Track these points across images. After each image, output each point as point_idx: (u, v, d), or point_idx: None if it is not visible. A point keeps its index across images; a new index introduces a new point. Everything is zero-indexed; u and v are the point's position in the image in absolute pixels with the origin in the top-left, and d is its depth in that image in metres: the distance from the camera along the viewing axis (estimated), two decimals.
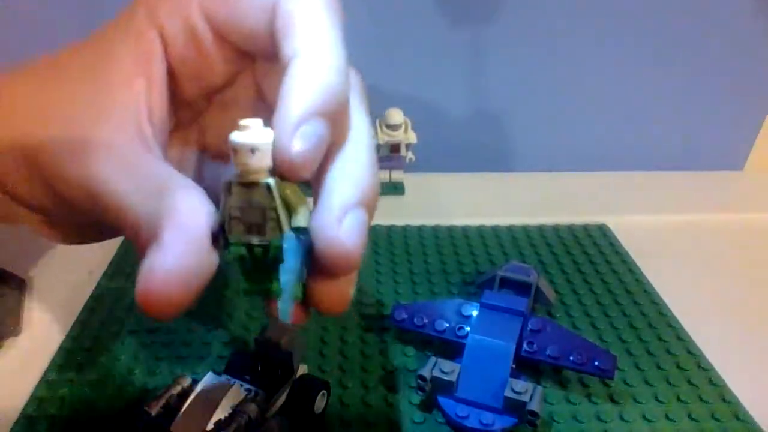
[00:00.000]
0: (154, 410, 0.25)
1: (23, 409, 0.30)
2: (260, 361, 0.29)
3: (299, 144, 0.18)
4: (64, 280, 0.40)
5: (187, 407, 0.25)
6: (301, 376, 0.30)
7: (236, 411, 0.26)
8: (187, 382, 0.27)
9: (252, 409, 0.26)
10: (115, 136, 0.20)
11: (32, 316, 0.37)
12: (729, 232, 0.49)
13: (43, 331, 0.36)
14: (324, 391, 0.30)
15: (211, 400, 0.25)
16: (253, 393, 0.27)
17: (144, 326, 0.36)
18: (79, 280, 0.40)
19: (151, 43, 0.21)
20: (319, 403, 0.30)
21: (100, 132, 0.20)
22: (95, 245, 0.43)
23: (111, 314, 0.37)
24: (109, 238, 0.26)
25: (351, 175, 0.19)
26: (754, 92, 0.57)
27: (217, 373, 0.28)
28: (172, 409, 0.25)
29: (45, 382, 0.32)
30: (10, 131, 0.21)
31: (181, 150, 0.25)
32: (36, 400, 0.31)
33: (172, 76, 0.22)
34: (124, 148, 0.20)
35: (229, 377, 0.28)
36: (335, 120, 0.19)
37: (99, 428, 0.30)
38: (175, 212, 0.17)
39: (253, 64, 0.24)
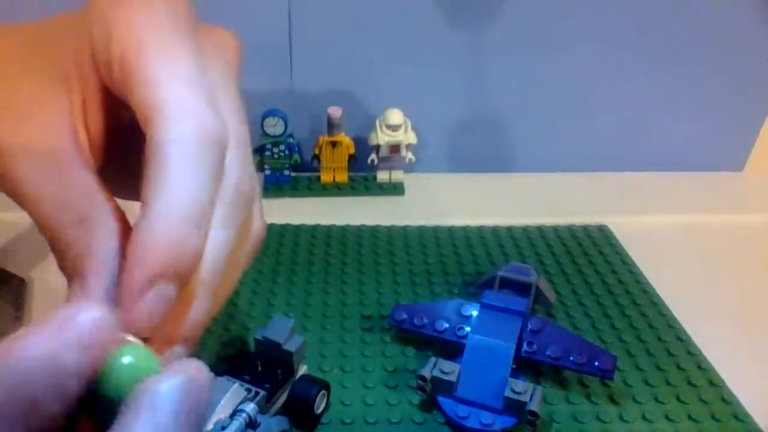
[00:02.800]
0: None
1: None
2: (260, 361, 0.29)
3: (139, 312, 0.17)
4: (64, 280, 0.40)
5: None
6: (302, 376, 0.30)
7: (236, 411, 0.26)
8: None
9: (252, 409, 0.26)
10: (44, 136, 0.20)
11: (32, 316, 0.37)
12: (729, 233, 0.49)
13: None
14: (324, 391, 0.30)
15: (210, 400, 0.25)
16: (253, 393, 0.27)
17: None
18: None
19: (88, 58, 0.20)
20: (320, 403, 0.30)
21: (28, 131, 0.20)
22: None
23: None
24: None
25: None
26: (754, 93, 0.57)
27: (218, 373, 0.28)
28: None
29: None
30: None
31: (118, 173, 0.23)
32: None
33: (105, 96, 0.21)
34: (50, 152, 0.19)
35: (229, 377, 0.28)
36: (183, 271, 0.18)
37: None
38: (94, 263, 0.19)
39: None
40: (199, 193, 0.18)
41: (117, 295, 0.18)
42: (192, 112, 0.18)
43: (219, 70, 0.22)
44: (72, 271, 0.20)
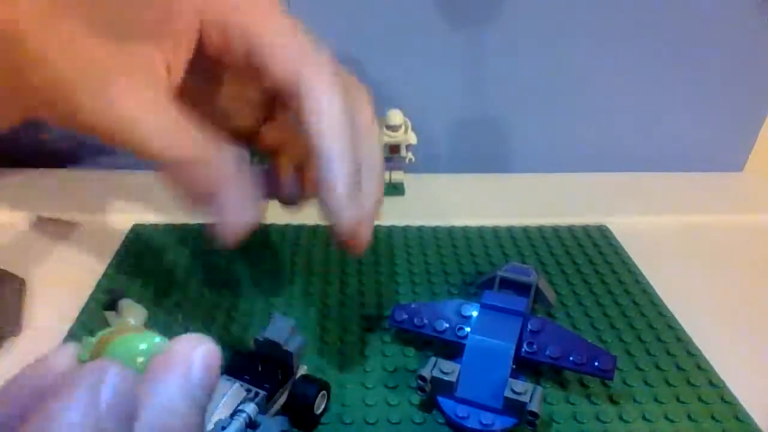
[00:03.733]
0: None
1: None
2: (260, 362, 0.29)
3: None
4: (64, 280, 0.40)
5: None
6: (302, 376, 0.30)
7: (236, 411, 0.26)
8: None
9: (252, 409, 0.26)
10: (141, 82, 0.24)
11: (32, 316, 0.37)
12: (729, 233, 0.49)
13: (43, 331, 0.36)
14: (324, 392, 0.30)
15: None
16: (253, 393, 0.27)
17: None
18: (79, 280, 0.40)
19: (191, 19, 0.25)
20: (320, 403, 0.30)
21: (127, 76, 0.23)
22: (94, 246, 0.44)
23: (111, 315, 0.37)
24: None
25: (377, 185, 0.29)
26: (754, 93, 0.57)
27: None
28: None
29: None
30: (47, 68, 0.23)
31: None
32: None
33: (198, 49, 0.26)
34: (147, 86, 0.24)
35: (228, 377, 0.28)
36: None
37: None
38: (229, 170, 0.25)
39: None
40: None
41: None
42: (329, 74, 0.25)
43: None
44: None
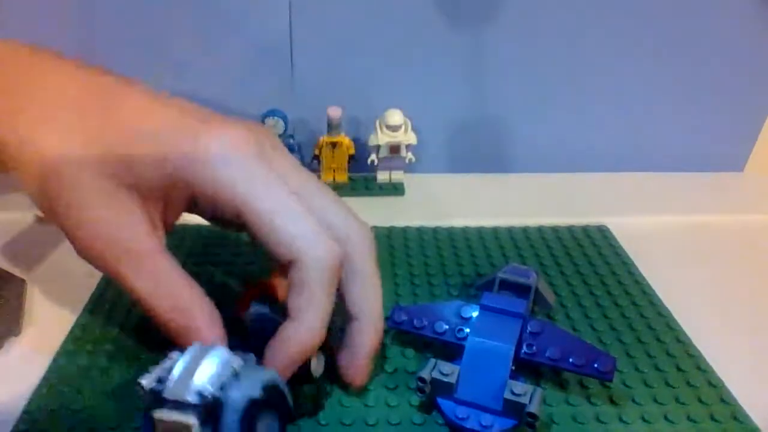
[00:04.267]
0: (148, 382, 0.24)
1: (24, 409, 0.30)
2: (254, 338, 0.28)
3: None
4: (64, 280, 0.40)
5: (176, 374, 0.24)
6: None
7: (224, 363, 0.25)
8: (177, 356, 0.25)
9: (239, 363, 0.25)
10: (133, 239, 0.28)
11: (32, 316, 0.37)
12: (729, 234, 0.49)
13: (43, 331, 0.36)
14: (322, 355, 0.30)
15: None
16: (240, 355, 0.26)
17: (144, 326, 0.36)
18: (79, 280, 0.40)
19: (181, 189, 0.28)
20: (317, 367, 0.29)
21: (120, 235, 0.28)
22: None
23: (111, 315, 0.37)
24: None
25: (371, 335, 0.31)
26: (754, 93, 0.57)
27: None
28: (164, 380, 0.24)
29: (46, 382, 0.32)
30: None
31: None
32: (37, 400, 0.31)
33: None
34: (143, 253, 0.28)
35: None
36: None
37: (100, 427, 0.30)
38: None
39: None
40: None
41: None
42: (320, 244, 0.27)
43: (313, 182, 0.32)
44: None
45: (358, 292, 0.30)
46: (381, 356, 0.35)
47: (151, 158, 0.27)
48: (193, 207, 0.29)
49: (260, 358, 0.28)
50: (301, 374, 0.29)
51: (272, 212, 0.27)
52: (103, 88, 0.29)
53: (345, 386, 0.32)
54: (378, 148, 0.52)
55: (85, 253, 0.29)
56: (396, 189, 0.54)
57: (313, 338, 0.27)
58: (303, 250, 0.27)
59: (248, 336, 0.29)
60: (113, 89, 0.29)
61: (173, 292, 0.28)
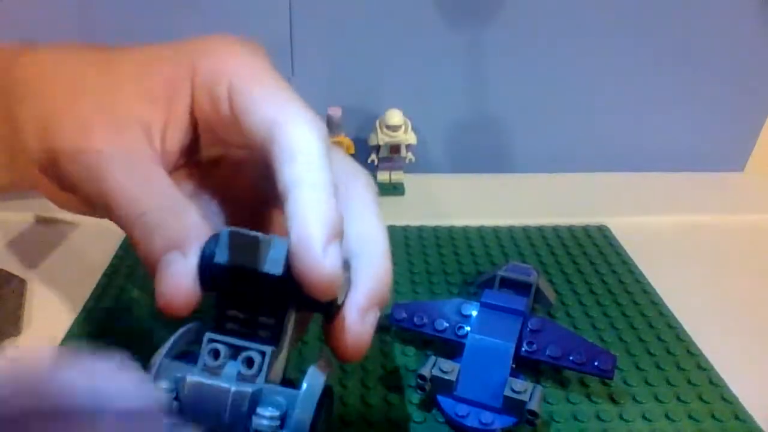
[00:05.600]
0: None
1: None
2: (234, 310, 0.21)
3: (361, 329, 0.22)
4: (64, 280, 0.40)
5: None
6: None
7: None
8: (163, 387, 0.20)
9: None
10: (125, 143, 0.23)
11: (32, 316, 0.37)
12: (729, 233, 0.49)
13: (43, 331, 0.36)
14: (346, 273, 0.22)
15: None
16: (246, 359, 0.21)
17: (144, 326, 0.36)
18: (79, 280, 0.40)
19: (184, 85, 0.24)
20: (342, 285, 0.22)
21: (113, 136, 0.23)
22: (94, 246, 0.44)
23: (111, 314, 0.37)
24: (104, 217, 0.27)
25: (372, 277, 0.22)
26: (754, 92, 0.57)
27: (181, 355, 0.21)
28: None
29: None
30: (40, 104, 0.23)
31: (186, 190, 0.26)
32: None
33: (192, 122, 0.25)
34: (132, 155, 0.23)
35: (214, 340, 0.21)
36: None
37: None
38: (195, 229, 0.21)
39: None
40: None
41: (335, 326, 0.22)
42: (310, 119, 0.22)
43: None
44: (160, 251, 0.21)
45: (358, 224, 0.23)
46: (381, 354, 0.35)
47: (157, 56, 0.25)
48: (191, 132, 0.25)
49: (272, 340, 0.21)
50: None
51: (264, 87, 0.23)
52: (99, 55, 0.26)
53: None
54: (378, 148, 0.52)
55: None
56: (396, 189, 0.54)
57: (329, 209, 0.20)
58: (294, 112, 0.22)
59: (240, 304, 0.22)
60: (110, 54, 0.26)
61: (164, 192, 0.22)
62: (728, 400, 0.32)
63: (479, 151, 0.58)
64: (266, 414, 0.19)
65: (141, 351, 0.34)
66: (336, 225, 0.20)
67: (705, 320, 0.38)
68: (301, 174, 0.21)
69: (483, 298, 0.34)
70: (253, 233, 0.20)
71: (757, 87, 0.56)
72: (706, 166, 0.59)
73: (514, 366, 0.31)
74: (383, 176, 0.54)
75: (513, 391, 0.28)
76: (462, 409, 0.30)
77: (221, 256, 0.20)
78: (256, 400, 0.20)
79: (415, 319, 0.34)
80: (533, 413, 0.28)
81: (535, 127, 0.57)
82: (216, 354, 0.20)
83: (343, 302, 0.22)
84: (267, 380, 0.20)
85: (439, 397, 0.30)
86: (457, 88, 0.54)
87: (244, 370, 0.20)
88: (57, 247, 0.44)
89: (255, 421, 0.19)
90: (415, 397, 0.32)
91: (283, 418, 0.20)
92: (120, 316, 0.37)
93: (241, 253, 0.20)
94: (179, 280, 0.20)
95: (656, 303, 0.40)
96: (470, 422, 0.29)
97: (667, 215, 0.52)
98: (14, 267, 0.39)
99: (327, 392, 0.21)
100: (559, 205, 0.52)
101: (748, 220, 0.51)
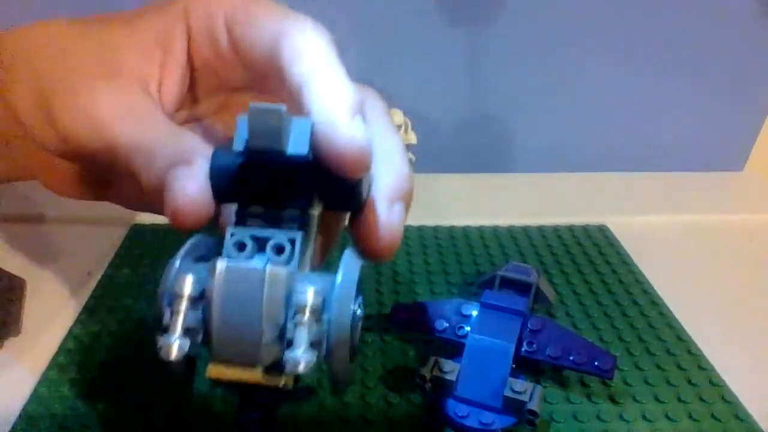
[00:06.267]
0: (173, 353, 0.18)
1: (24, 409, 0.30)
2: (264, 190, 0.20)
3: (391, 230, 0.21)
4: (64, 280, 0.40)
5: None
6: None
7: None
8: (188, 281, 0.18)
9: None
10: (124, 95, 0.22)
11: (32, 316, 0.37)
12: (729, 233, 0.49)
13: (43, 331, 0.36)
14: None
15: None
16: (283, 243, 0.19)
17: (143, 325, 0.36)
18: (79, 280, 0.40)
19: (178, 31, 0.24)
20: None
21: (108, 81, 0.22)
22: (94, 246, 0.44)
23: (111, 314, 0.37)
24: (110, 198, 0.28)
25: (393, 173, 0.22)
26: (754, 92, 0.57)
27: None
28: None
29: (45, 381, 0.32)
30: (30, 71, 0.23)
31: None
32: (36, 399, 0.31)
33: (192, 69, 0.25)
34: (132, 105, 0.22)
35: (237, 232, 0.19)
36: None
37: (100, 426, 0.30)
38: (199, 146, 0.20)
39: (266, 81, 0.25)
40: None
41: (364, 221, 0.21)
42: (313, 25, 0.22)
43: None
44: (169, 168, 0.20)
45: (373, 132, 0.21)
46: (381, 354, 0.35)
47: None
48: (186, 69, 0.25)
49: (303, 221, 0.20)
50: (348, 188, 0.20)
51: (262, 7, 0.23)
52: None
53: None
54: None
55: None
56: None
57: (348, 87, 0.20)
58: (295, 22, 0.22)
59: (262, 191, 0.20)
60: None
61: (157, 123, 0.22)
62: (728, 400, 0.32)
63: (479, 150, 0.58)
64: (308, 289, 0.18)
65: (141, 351, 0.34)
66: (357, 100, 0.20)
67: (705, 320, 0.38)
68: (312, 66, 0.20)
69: (483, 298, 0.34)
70: (276, 106, 0.18)
71: (757, 87, 0.56)
72: (706, 165, 0.59)
73: (514, 366, 0.31)
74: None
75: (513, 391, 0.28)
76: (462, 409, 0.29)
77: (239, 143, 0.19)
78: (292, 282, 0.18)
79: (416, 319, 0.34)
80: (533, 413, 0.27)
81: (535, 127, 0.57)
82: (242, 246, 0.19)
83: (368, 197, 0.21)
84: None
85: (439, 397, 0.30)
86: (458, 87, 0.54)
87: (275, 258, 0.19)
88: (57, 247, 0.44)
89: (296, 297, 0.18)
90: (415, 397, 0.32)
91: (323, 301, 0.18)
92: (120, 315, 0.37)
93: (262, 134, 0.18)
94: (190, 187, 0.19)
95: (656, 303, 0.40)
96: (470, 422, 0.29)
97: (667, 215, 0.52)
98: (14, 267, 0.39)
99: (359, 282, 0.20)
100: (559, 204, 0.52)
101: (747, 219, 0.51)
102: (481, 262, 0.44)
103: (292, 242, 0.19)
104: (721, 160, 0.60)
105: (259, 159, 0.19)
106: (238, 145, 0.18)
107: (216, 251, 0.19)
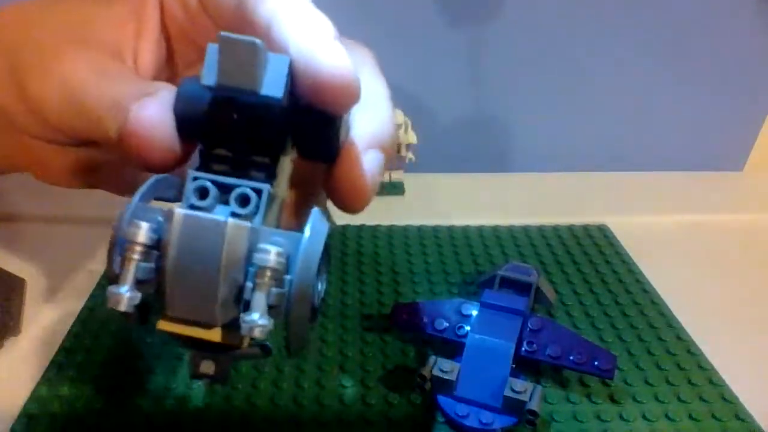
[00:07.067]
0: (123, 305, 0.17)
1: (23, 409, 0.30)
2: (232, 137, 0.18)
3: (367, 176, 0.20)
4: (64, 280, 0.40)
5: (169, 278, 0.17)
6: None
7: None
8: (143, 228, 0.17)
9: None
10: (91, 53, 0.21)
11: (32, 316, 0.37)
12: (729, 233, 0.49)
13: (43, 331, 0.36)
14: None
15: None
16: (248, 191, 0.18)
17: (143, 326, 0.36)
18: (79, 280, 0.40)
19: (150, 0, 0.23)
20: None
21: (78, 49, 0.21)
22: (94, 246, 0.44)
23: (111, 314, 0.37)
24: (101, 185, 0.27)
25: (373, 120, 0.21)
26: (754, 92, 0.57)
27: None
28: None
29: (45, 381, 0.32)
30: (1, 49, 0.22)
31: None
32: (36, 399, 0.31)
33: (168, 38, 0.24)
34: (98, 60, 0.21)
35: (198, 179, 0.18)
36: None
37: (99, 426, 0.30)
38: (163, 88, 0.19)
39: None
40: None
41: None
42: None
43: None
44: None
45: (361, 77, 0.20)
46: (381, 354, 0.35)
47: None
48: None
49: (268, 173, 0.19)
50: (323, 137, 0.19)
51: None
52: None
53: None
54: None
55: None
56: (396, 188, 0.54)
57: (321, 16, 0.19)
58: None
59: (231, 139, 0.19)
60: None
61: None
62: (728, 400, 0.32)
63: (479, 150, 0.58)
64: (271, 249, 0.17)
65: (141, 350, 0.34)
66: (333, 28, 0.18)
67: (705, 320, 0.38)
68: (276, 3, 0.18)
69: (483, 297, 0.34)
70: (250, 38, 0.16)
71: (757, 87, 0.56)
72: (706, 165, 0.59)
73: (514, 366, 0.31)
74: (383, 176, 0.54)
75: (513, 391, 0.28)
76: (462, 409, 0.30)
77: (208, 77, 0.17)
78: (254, 239, 0.17)
79: (416, 319, 0.34)
80: (533, 413, 0.27)
81: (535, 127, 0.57)
82: (204, 193, 0.17)
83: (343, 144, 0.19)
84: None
85: (439, 397, 0.30)
86: (458, 87, 0.54)
87: (238, 209, 0.17)
88: (57, 247, 0.44)
89: (258, 256, 0.17)
90: (415, 396, 0.32)
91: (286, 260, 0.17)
92: (120, 315, 0.37)
93: (233, 70, 0.16)
94: (150, 110, 0.18)
95: (656, 303, 0.40)
96: (470, 422, 0.29)
97: (667, 215, 0.52)
98: (14, 267, 0.39)
99: (327, 246, 0.18)
100: (559, 204, 0.52)
101: (747, 219, 0.51)
102: (480, 261, 0.44)
103: (258, 193, 0.17)
104: (721, 160, 0.60)
105: (229, 97, 0.17)
106: (208, 79, 0.17)
107: (180, 194, 0.18)
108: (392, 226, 0.47)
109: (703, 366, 0.34)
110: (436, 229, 0.47)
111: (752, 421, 0.31)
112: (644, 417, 0.31)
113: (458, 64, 0.53)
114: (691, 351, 0.35)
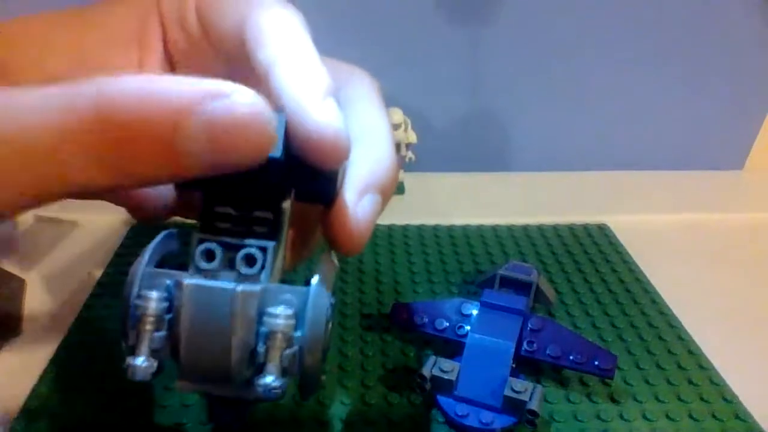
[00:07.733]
0: (140, 375, 0.18)
1: (23, 408, 0.30)
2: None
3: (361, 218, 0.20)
4: (64, 280, 0.40)
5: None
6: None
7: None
8: (154, 299, 0.18)
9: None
10: None
11: (32, 316, 0.37)
12: (729, 232, 0.49)
13: (43, 331, 0.36)
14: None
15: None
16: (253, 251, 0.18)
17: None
18: (79, 280, 0.40)
19: (152, 24, 0.24)
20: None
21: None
22: (94, 246, 0.44)
23: (110, 314, 0.37)
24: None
25: (370, 160, 0.20)
26: (754, 92, 0.57)
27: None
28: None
29: (45, 381, 0.32)
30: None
31: None
32: (36, 399, 0.31)
33: (170, 61, 0.24)
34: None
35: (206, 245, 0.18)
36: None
37: (99, 426, 0.30)
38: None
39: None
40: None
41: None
42: (282, 4, 0.21)
43: None
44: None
45: (357, 113, 0.22)
46: (381, 354, 0.35)
47: None
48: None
49: (273, 233, 0.19)
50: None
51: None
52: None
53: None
54: None
55: None
56: (396, 188, 0.53)
57: (316, 67, 0.19)
58: (262, 2, 0.21)
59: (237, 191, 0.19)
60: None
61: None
62: (729, 399, 0.32)
63: (479, 149, 0.58)
64: (280, 312, 0.17)
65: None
66: (329, 82, 0.18)
67: (705, 319, 0.38)
68: (278, 49, 0.19)
69: (483, 297, 0.34)
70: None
71: (757, 85, 0.56)
72: (706, 164, 0.59)
73: (514, 366, 0.31)
74: None
75: (513, 390, 0.28)
76: (462, 408, 0.30)
77: None
78: (264, 300, 0.18)
79: (415, 319, 0.34)
80: (533, 413, 0.27)
81: (535, 126, 0.57)
82: (210, 255, 0.18)
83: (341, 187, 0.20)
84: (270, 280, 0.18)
85: (439, 397, 0.30)
86: (458, 86, 0.54)
87: (246, 270, 0.18)
88: (57, 247, 0.44)
89: (268, 321, 0.17)
90: (415, 396, 0.32)
91: (295, 317, 0.18)
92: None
93: None
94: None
95: (656, 302, 0.40)
96: (470, 422, 0.29)
97: (667, 214, 0.52)
98: (14, 267, 0.39)
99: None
100: (559, 203, 0.52)
101: (747, 218, 0.51)
102: (481, 261, 0.44)
103: (264, 250, 0.18)
104: (721, 159, 0.60)
105: None
106: None
107: (183, 244, 0.18)
108: (392, 225, 0.47)
109: (703, 366, 0.34)
110: (435, 229, 0.47)
111: (752, 421, 0.31)
112: (644, 417, 0.31)
113: (458, 63, 0.53)
114: (692, 350, 0.35)
